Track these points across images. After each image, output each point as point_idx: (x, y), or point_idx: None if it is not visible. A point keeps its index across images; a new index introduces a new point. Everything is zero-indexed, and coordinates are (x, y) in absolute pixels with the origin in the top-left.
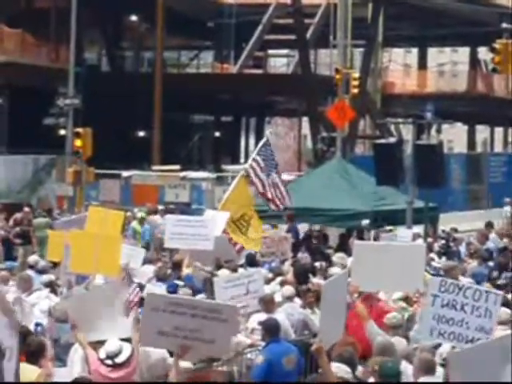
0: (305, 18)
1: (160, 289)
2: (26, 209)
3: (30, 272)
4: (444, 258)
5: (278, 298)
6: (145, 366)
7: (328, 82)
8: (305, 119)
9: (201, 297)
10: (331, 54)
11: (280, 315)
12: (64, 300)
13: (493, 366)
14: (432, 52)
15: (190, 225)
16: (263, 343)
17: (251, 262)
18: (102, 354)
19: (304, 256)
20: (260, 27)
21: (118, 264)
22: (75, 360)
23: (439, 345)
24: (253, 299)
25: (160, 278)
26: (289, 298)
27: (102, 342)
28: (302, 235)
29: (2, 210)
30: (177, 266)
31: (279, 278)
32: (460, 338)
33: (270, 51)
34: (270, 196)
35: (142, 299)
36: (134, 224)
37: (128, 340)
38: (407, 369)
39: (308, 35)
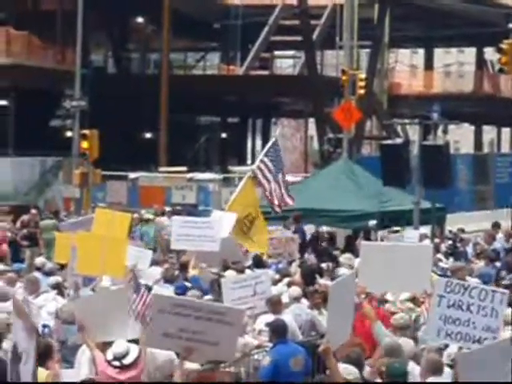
0: (311, 19)
1: (167, 290)
2: (33, 211)
3: (37, 274)
4: (451, 259)
5: (285, 299)
6: (152, 367)
7: (334, 83)
8: (311, 120)
9: (207, 298)
10: (337, 55)
11: (287, 316)
12: (71, 302)
13: (501, 367)
14: (438, 52)
15: (197, 226)
16: (270, 344)
17: (258, 263)
18: (110, 356)
19: (310, 257)
20: (266, 28)
21: (123, 265)
22: (82, 362)
23: (446, 345)
24: (260, 300)
25: (167, 279)
26: (296, 299)
27: (109, 344)
28: (308, 236)
29: (9, 212)
30: (184, 267)
31: (286, 279)
32: (467, 338)
33: (277, 52)
34: (275, 200)
35: None
36: (144, 227)
37: (135, 341)
38: (414, 369)
39: (314, 36)
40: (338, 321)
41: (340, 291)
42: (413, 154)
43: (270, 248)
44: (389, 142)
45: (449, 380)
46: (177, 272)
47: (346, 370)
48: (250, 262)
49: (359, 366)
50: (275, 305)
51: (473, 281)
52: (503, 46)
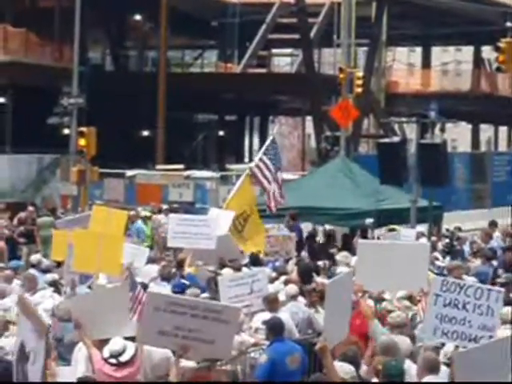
0: (308, 17)
1: (164, 288)
2: (30, 208)
3: (32, 271)
4: (448, 257)
5: (281, 297)
6: (149, 365)
7: (332, 82)
8: (308, 118)
9: (204, 296)
10: (335, 53)
11: (284, 314)
12: (67, 299)
13: (498, 366)
14: (436, 51)
15: (193, 224)
16: (267, 342)
17: (255, 261)
18: (106, 353)
19: (303, 255)
20: (264, 26)
21: (120, 263)
22: (79, 359)
23: (443, 344)
24: (257, 298)
25: (164, 277)
26: (293, 297)
27: (105, 341)
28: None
29: (6, 209)
30: (181, 265)
31: (283, 277)
32: (463, 337)
33: (274, 50)
34: (272, 201)
35: None
36: (140, 223)
37: (132, 339)
38: (411, 368)
39: (312, 34)
40: (334, 319)
41: (337, 289)
42: (410, 152)
43: (267, 246)
44: (386, 140)
45: (445, 379)
46: (174, 270)
47: (343, 369)
48: (246, 260)
49: (355, 365)
50: (272, 303)
51: (469, 279)
52: (501, 44)
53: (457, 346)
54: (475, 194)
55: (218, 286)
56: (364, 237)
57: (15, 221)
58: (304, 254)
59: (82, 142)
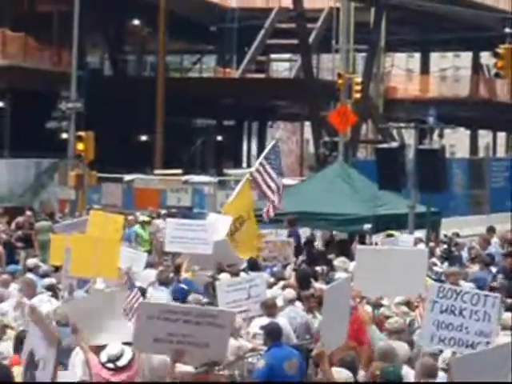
0: (307, 22)
1: (162, 293)
2: (28, 212)
3: (30, 275)
4: (446, 263)
5: (279, 302)
6: (147, 369)
7: (330, 87)
8: (307, 124)
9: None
10: (333, 58)
11: (282, 320)
12: (65, 304)
13: (495, 373)
14: (434, 57)
15: (191, 229)
16: (265, 348)
17: (253, 266)
18: (104, 358)
19: (297, 261)
20: (262, 32)
21: (117, 267)
22: (76, 364)
23: (441, 351)
24: (254, 304)
25: (162, 281)
26: (290, 301)
27: (102, 346)
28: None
29: (4, 214)
30: (178, 269)
31: (281, 283)
32: (460, 343)
33: (273, 56)
34: (270, 208)
35: None
36: (137, 228)
37: (129, 344)
38: (409, 374)
39: (310, 40)
40: (332, 325)
41: (335, 295)
42: (408, 157)
43: (265, 251)
44: (384, 145)
45: None
46: (171, 274)
47: (340, 374)
48: (244, 265)
49: (353, 370)
50: (270, 308)
51: (467, 285)
52: (499, 50)
53: (454, 353)
54: (473, 200)
55: (215, 290)
56: (362, 242)
57: (13, 225)
58: (301, 258)
59: (80, 146)
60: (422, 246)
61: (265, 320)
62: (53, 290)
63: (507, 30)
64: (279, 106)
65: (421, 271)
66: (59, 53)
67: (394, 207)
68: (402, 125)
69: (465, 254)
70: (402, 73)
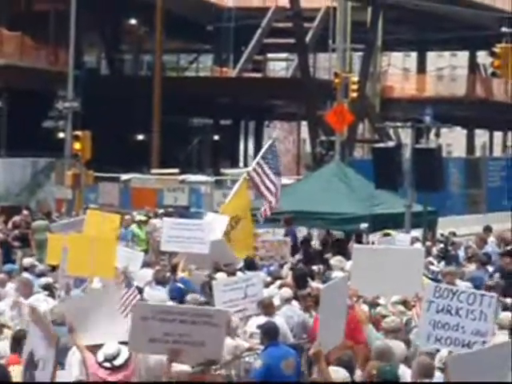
0: (304, 21)
1: (159, 292)
2: (25, 212)
3: (26, 275)
4: (443, 262)
5: (276, 301)
6: (144, 368)
7: (327, 86)
8: (304, 123)
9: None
10: (330, 57)
11: (279, 319)
12: (61, 303)
13: (492, 372)
14: (431, 56)
15: (187, 228)
16: (262, 347)
17: (250, 265)
18: (100, 357)
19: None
20: (259, 31)
21: (113, 266)
22: (73, 363)
23: (438, 350)
24: (251, 303)
25: (159, 281)
26: (287, 300)
27: (99, 346)
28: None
29: (0, 213)
30: (175, 269)
31: (278, 282)
32: (456, 343)
33: (269, 55)
34: (267, 209)
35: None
36: (134, 227)
37: (126, 343)
38: (405, 373)
39: (307, 39)
40: (329, 324)
41: (332, 294)
42: (405, 157)
43: (262, 250)
44: (381, 145)
45: None
46: (168, 274)
47: (337, 374)
48: (241, 264)
49: (350, 370)
50: (267, 307)
51: (463, 284)
52: (496, 49)
53: (450, 352)
54: (470, 199)
55: (212, 290)
56: (359, 242)
57: (10, 224)
58: (298, 257)
59: (77, 145)
60: (418, 245)
61: (262, 319)
62: (49, 289)
63: (504, 29)
64: (276, 105)
65: (417, 270)
66: (56, 52)
67: (390, 206)
68: (399, 124)
69: (461, 253)
70: (399, 72)
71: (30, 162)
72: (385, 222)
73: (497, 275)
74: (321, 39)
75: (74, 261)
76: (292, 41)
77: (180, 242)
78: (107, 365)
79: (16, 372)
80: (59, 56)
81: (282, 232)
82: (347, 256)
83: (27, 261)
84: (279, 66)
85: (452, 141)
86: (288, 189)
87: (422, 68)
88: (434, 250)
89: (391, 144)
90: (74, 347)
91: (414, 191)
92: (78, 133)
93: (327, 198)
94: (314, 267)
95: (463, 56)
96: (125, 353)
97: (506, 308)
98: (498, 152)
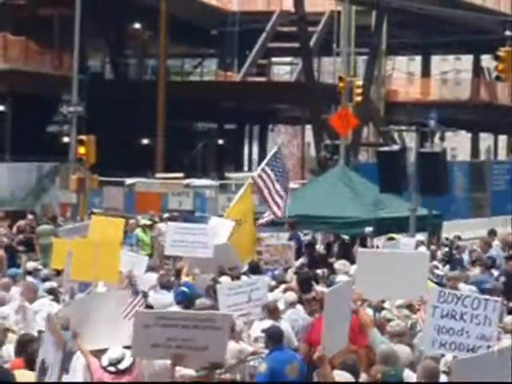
0: (308, 25)
1: (163, 296)
2: (30, 216)
3: (30, 278)
4: (447, 266)
5: (281, 305)
6: (148, 374)
7: (331, 90)
8: (308, 127)
9: None
10: (335, 61)
11: (284, 323)
12: (66, 307)
13: (495, 376)
14: (435, 60)
15: (191, 232)
16: (266, 351)
17: (254, 269)
18: (105, 361)
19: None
20: (263, 35)
21: (117, 271)
22: (77, 368)
23: (442, 355)
24: (255, 307)
25: (164, 285)
26: (291, 304)
27: (103, 351)
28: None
29: (5, 218)
30: (179, 273)
31: (283, 286)
32: (461, 348)
33: (274, 59)
34: (270, 203)
35: (147, 307)
36: (138, 231)
37: (130, 347)
38: (410, 377)
39: (311, 43)
40: (333, 328)
41: (336, 298)
42: (409, 161)
43: (267, 255)
44: (386, 148)
45: None
46: (172, 278)
47: (342, 378)
48: (246, 268)
49: (355, 374)
50: (272, 311)
51: (468, 288)
52: (500, 53)
53: (455, 357)
54: (475, 203)
55: (216, 294)
56: (363, 245)
57: (14, 229)
58: (301, 260)
59: (82, 150)
60: (423, 248)
61: (266, 323)
62: (54, 293)
63: (508, 32)
64: (280, 109)
65: (422, 274)
66: (60, 56)
67: (395, 210)
68: (403, 128)
69: (466, 256)
70: (403, 76)
71: (34, 166)
72: (389, 226)
73: (502, 279)
74: (325, 43)
75: (78, 265)
76: (296, 45)
77: (184, 246)
78: (112, 369)
79: (20, 376)
80: (64, 60)
81: (287, 236)
82: (351, 260)
83: (30, 265)
84: (283, 70)
85: (457, 144)
86: (293, 193)
87: (426, 72)
88: (439, 254)
89: (396, 148)
90: (78, 352)
91: (418, 195)
92: (83, 137)
93: (332, 202)
94: (319, 271)
95: (467, 60)
96: (129, 357)
97: (510, 312)
98: (502, 156)
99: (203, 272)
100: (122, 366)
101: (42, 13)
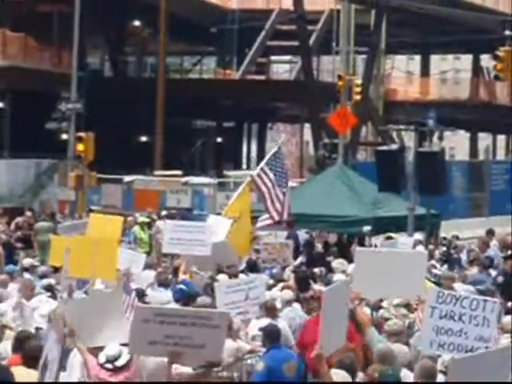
0: (308, 24)
1: (161, 294)
2: (28, 213)
3: (26, 275)
4: (445, 266)
5: (278, 304)
6: (145, 371)
7: (330, 89)
8: (307, 125)
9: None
10: (334, 60)
11: (281, 322)
12: (63, 305)
13: (493, 375)
14: (435, 59)
15: (189, 230)
16: (264, 349)
17: (252, 267)
18: (102, 359)
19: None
20: (263, 33)
21: (115, 268)
22: (74, 365)
23: (439, 356)
24: (252, 305)
25: (161, 283)
26: (288, 302)
27: (100, 348)
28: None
29: (3, 214)
30: (177, 271)
31: (280, 285)
32: (459, 349)
33: (273, 57)
34: (269, 208)
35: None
36: (136, 229)
37: (127, 345)
38: (407, 377)
39: (311, 42)
40: (331, 327)
41: (334, 297)
42: (408, 160)
43: (264, 253)
44: (384, 147)
45: None
46: (170, 276)
47: (339, 376)
48: (243, 267)
49: (352, 372)
50: (270, 310)
51: (466, 287)
52: (499, 53)
53: (453, 357)
54: (473, 203)
55: (214, 291)
56: (361, 244)
57: (12, 226)
58: (299, 259)
59: (80, 147)
60: (421, 248)
61: (263, 322)
62: (51, 290)
63: (507, 32)
64: (279, 107)
65: (420, 273)
66: (59, 53)
67: (393, 209)
68: (402, 127)
69: (464, 256)
70: (402, 75)
71: (33, 163)
72: (387, 225)
73: (500, 279)
74: (324, 42)
75: (75, 262)
76: (295, 43)
77: (181, 244)
78: (109, 366)
79: (17, 373)
80: (63, 57)
81: (285, 234)
82: (349, 259)
83: (27, 261)
84: (282, 68)
85: (455, 144)
86: (291, 192)
87: (425, 71)
88: (437, 253)
89: (394, 147)
90: (75, 349)
91: (416, 194)
92: (82, 134)
93: (330, 200)
94: (316, 270)
95: (467, 59)
96: (126, 354)
97: (509, 312)
98: (501, 155)
99: (201, 270)
100: (119, 363)
101: (41, 9)
